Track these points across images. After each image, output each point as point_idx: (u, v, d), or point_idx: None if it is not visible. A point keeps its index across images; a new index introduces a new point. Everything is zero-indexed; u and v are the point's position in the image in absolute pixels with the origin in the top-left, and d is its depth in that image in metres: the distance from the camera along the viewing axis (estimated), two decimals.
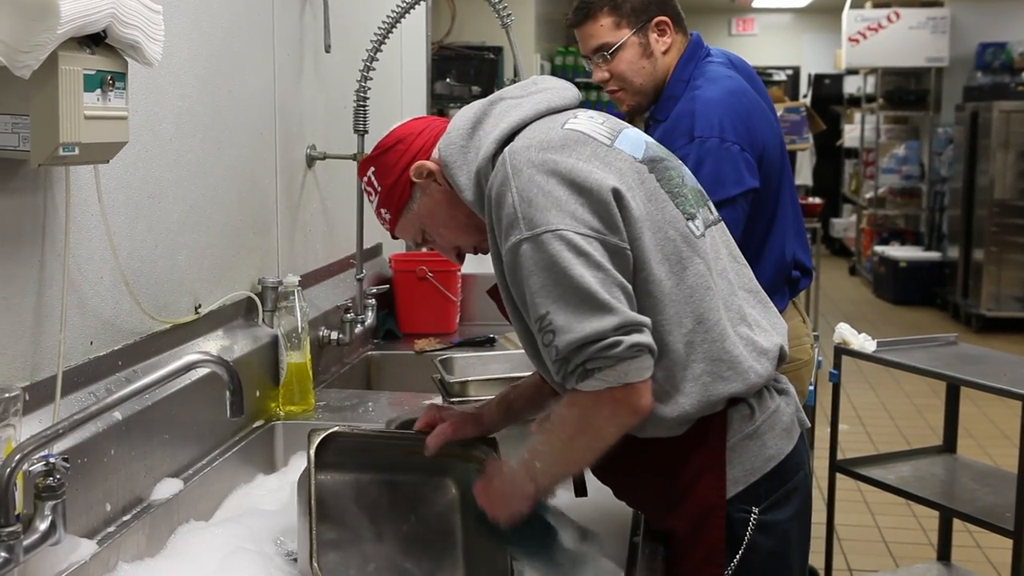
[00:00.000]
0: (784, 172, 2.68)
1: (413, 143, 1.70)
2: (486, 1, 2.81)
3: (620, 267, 1.54)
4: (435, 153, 1.68)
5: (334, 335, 2.77)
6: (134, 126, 1.71)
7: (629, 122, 1.78)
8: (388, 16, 2.81)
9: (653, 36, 2.56)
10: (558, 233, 1.50)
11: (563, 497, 1.87)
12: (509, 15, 2.79)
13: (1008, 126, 8.98)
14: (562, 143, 1.58)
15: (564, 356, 1.50)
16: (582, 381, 1.51)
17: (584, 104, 1.77)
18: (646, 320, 1.53)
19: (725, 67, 2.63)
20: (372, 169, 1.73)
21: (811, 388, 3.04)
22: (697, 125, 2.45)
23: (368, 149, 1.80)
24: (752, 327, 1.69)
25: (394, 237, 1.81)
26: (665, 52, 2.57)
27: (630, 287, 1.54)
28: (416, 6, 2.81)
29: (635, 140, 1.67)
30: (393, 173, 1.70)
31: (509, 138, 1.62)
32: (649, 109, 2.66)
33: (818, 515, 2.62)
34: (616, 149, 1.62)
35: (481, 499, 1.70)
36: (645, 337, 1.51)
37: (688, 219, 1.64)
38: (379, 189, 1.72)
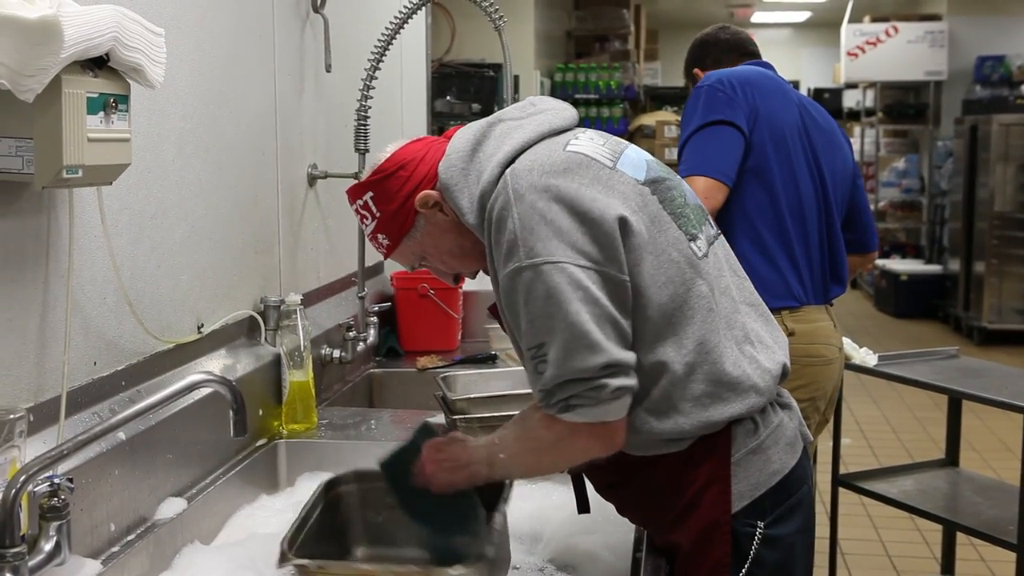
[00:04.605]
0: (797, 159, 2.90)
1: (416, 169, 1.67)
2: (475, 4, 2.81)
3: (618, 299, 1.55)
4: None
5: (336, 353, 2.77)
6: (137, 148, 1.71)
7: None
8: (385, 31, 2.82)
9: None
10: (558, 265, 1.51)
11: (566, 512, 1.88)
12: (501, 17, 2.78)
13: (1007, 139, 9.00)
14: (564, 166, 1.58)
15: (549, 389, 1.54)
16: (563, 413, 1.55)
17: (583, 122, 1.77)
18: (631, 360, 1.55)
19: (760, 68, 3.02)
20: (370, 194, 1.70)
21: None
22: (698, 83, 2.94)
23: (366, 173, 1.79)
24: (756, 345, 1.69)
25: (385, 259, 1.80)
26: None
27: (624, 322, 1.56)
28: (412, 18, 2.81)
29: (636, 161, 1.66)
30: (396, 200, 1.68)
31: (511, 161, 1.62)
32: None
33: (821, 529, 2.62)
34: (618, 171, 1.61)
35: (429, 455, 1.71)
36: (630, 380, 1.55)
37: (691, 240, 1.64)
38: (378, 215, 1.70)
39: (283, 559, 1.54)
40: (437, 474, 1.69)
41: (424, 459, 1.71)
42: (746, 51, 3.19)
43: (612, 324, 1.53)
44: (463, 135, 1.68)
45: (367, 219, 1.72)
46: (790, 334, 2.77)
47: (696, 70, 3.21)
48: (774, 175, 2.83)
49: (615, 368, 1.52)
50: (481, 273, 1.79)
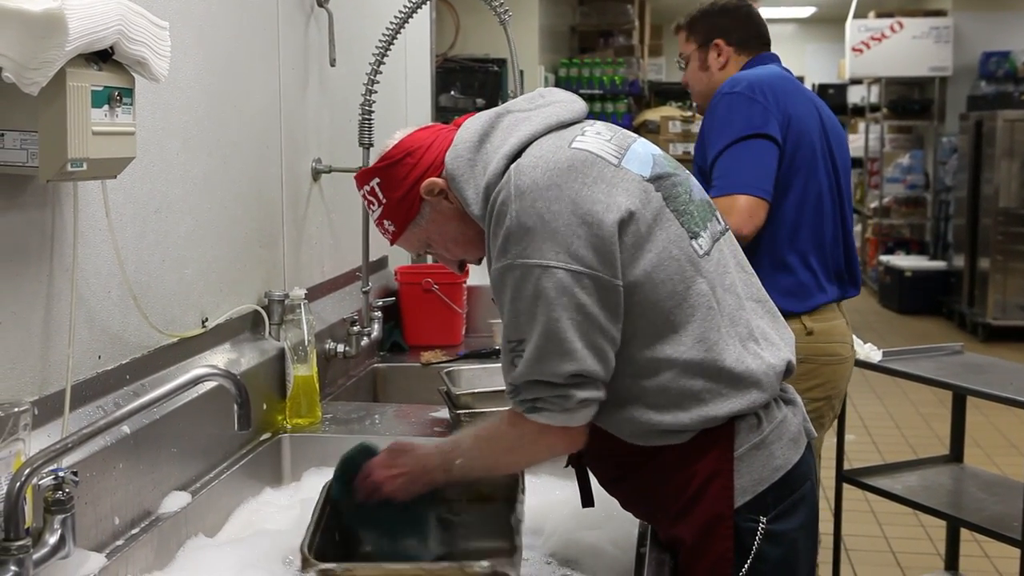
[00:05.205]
0: (819, 161, 2.87)
1: (423, 157, 1.69)
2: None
3: (608, 304, 1.56)
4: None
5: (340, 348, 2.78)
6: (141, 141, 1.72)
7: None
8: (390, 25, 2.82)
9: (712, 54, 3.02)
10: (548, 269, 1.53)
11: (570, 506, 1.88)
12: (507, 11, 2.78)
13: (1012, 135, 8.98)
14: (569, 165, 1.58)
15: (518, 385, 1.58)
16: (530, 413, 1.59)
17: (590, 115, 1.78)
18: (602, 374, 1.57)
19: (778, 68, 2.97)
20: (377, 180, 1.72)
21: None
22: (724, 86, 2.85)
23: (373, 162, 1.79)
24: (760, 342, 1.69)
25: (391, 244, 1.81)
26: (722, 68, 3.01)
27: (611, 327, 1.57)
28: (415, 13, 2.81)
29: (643, 157, 1.66)
30: (402, 187, 1.69)
31: (518, 154, 1.62)
32: None
33: (825, 525, 2.63)
34: (623, 169, 1.61)
35: (380, 471, 1.73)
36: (597, 392, 1.58)
37: (693, 237, 1.64)
38: (384, 201, 1.72)
39: (306, 564, 1.50)
40: (396, 488, 1.72)
41: (377, 476, 1.73)
42: (766, 41, 3.09)
43: (596, 331, 1.55)
44: (471, 125, 1.69)
45: (374, 205, 1.74)
46: (808, 333, 2.77)
47: (719, 41, 3.00)
48: (798, 181, 2.81)
49: (583, 379, 1.56)
50: (485, 268, 1.79)
